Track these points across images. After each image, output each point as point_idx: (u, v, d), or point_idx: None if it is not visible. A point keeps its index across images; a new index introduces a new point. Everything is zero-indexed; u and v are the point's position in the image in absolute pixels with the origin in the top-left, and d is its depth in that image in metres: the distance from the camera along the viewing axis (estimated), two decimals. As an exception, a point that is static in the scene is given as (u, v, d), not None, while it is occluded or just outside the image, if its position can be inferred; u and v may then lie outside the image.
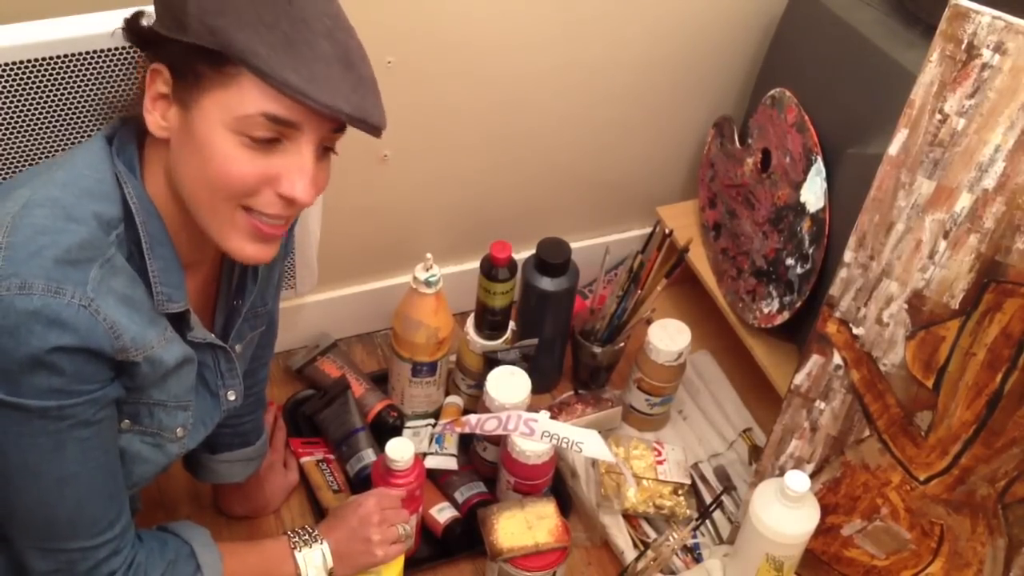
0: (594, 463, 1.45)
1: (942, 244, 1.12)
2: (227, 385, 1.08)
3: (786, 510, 1.24)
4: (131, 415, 0.96)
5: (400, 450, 1.26)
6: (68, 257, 0.85)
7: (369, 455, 1.42)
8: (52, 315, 0.83)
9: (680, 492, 1.44)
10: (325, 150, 0.93)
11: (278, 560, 1.13)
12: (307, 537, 1.15)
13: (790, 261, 1.38)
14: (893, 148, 1.11)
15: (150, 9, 0.91)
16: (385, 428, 1.47)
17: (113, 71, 1.09)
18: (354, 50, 0.88)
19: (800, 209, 1.36)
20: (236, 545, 1.13)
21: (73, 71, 1.08)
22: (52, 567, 0.95)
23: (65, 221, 0.86)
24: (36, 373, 0.84)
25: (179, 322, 0.97)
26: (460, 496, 1.41)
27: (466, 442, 1.47)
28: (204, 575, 1.04)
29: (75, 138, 1.13)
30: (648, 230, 1.56)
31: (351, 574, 1.18)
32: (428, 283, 1.39)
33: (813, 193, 1.33)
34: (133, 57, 1.09)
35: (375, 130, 0.90)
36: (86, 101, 1.11)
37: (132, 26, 0.93)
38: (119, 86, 1.10)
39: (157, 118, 0.90)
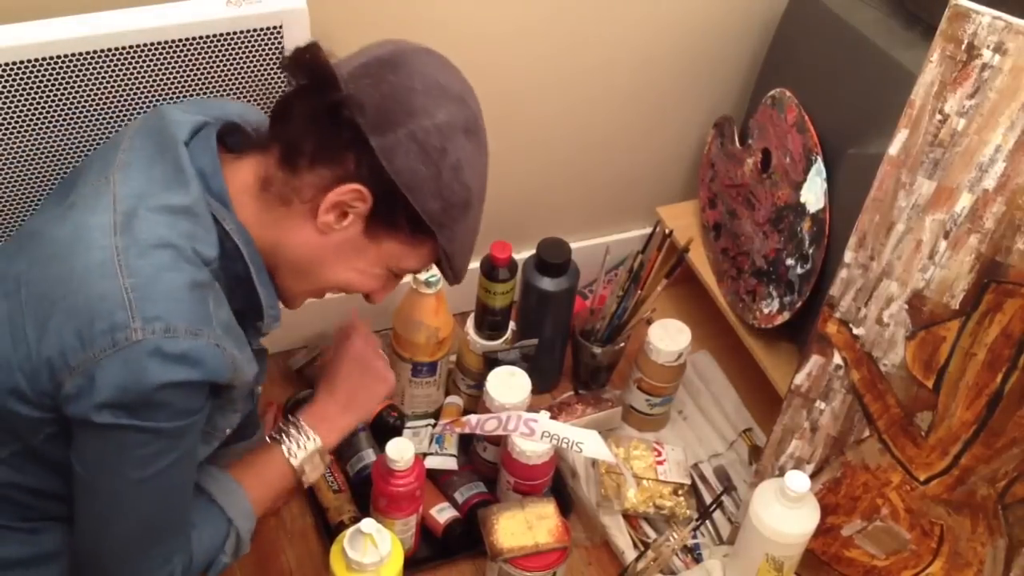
0: (594, 463, 1.45)
1: (942, 244, 1.12)
2: (258, 381, 1.14)
3: (786, 510, 1.24)
4: None
5: (400, 450, 1.26)
6: (194, 297, 0.91)
7: (369, 455, 1.42)
8: (197, 357, 0.90)
9: (680, 492, 1.44)
10: None
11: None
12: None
13: (790, 261, 1.38)
14: (893, 148, 1.11)
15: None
16: (385, 428, 1.47)
17: (113, 72, 1.10)
18: None
19: (800, 209, 1.36)
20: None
21: (74, 71, 1.08)
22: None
23: (183, 262, 0.92)
24: (162, 404, 0.90)
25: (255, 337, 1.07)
26: (460, 496, 1.41)
27: (466, 442, 1.47)
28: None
29: (76, 139, 1.13)
30: (648, 230, 1.56)
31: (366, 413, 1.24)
32: (428, 283, 1.39)
33: (813, 193, 1.33)
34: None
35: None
36: (89, 102, 1.11)
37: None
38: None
39: (331, 219, 0.98)
